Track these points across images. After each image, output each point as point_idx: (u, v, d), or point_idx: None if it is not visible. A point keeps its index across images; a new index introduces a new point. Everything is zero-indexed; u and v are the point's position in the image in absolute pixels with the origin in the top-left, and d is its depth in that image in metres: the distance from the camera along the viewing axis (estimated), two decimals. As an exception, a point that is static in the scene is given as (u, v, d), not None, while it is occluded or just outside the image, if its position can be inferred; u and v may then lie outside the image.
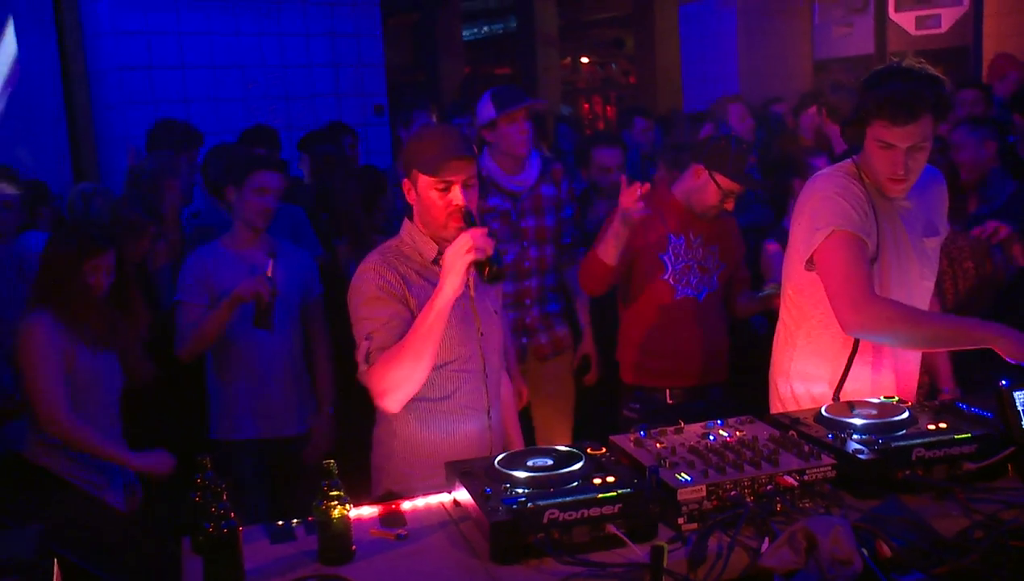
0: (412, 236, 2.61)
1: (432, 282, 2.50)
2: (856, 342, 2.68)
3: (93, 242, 3.18)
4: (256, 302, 3.40)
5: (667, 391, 3.59)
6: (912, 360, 2.84)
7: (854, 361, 2.71)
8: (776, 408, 2.88)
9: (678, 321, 3.56)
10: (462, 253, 2.33)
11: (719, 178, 3.47)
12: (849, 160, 2.72)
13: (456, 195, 2.49)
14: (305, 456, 3.70)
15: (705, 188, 3.51)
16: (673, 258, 3.55)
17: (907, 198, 2.68)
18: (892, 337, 2.60)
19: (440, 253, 2.52)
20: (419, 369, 2.41)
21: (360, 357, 2.47)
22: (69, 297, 3.14)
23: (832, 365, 2.74)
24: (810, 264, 2.65)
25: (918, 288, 2.74)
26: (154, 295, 4.05)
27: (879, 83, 2.54)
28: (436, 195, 2.50)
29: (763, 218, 4.64)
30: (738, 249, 3.74)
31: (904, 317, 2.52)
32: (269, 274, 3.41)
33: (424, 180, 2.51)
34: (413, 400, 2.52)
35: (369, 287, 2.51)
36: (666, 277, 3.56)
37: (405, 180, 2.58)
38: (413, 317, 2.45)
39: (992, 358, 2.43)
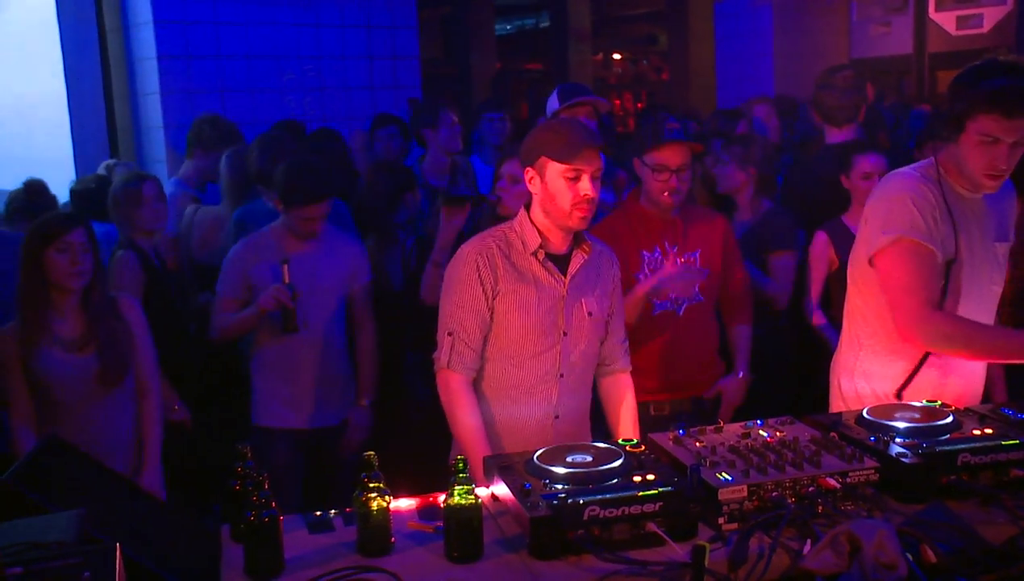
0: (522, 225, 2.67)
1: (523, 273, 2.63)
2: None
3: (52, 225, 3.08)
4: (281, 310, 3.43)
5: (650, 406, 3.37)
6: (980, 365, 2.81)
7: (925, 362, 2.69)
8: (837, 406, 2.86)
9: (657, 337, 3.37)
10: None
11: (645, 158, 3.26)
12: (930, 159, 2.67)
13: (585, 185, 2.54)
14: (341, 448, 3.71)
15: (644, 179, 3.32)
16: (648, 274, 3.33)
17: (983, 201, 2.65)
18: (949, 351, 2.60)
19: (542, 245, 2.63)
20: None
21: (441, 357, 2.63)
22: (31, 292, 3.05)
23: (902, 364, 2.72)
24: (871, 263, 2.64)
25: (987, 292, 2.71)
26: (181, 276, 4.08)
27: (984, 77, 2.50)
28: (565, 184, 2.54)
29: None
30: (727, 252, 3.49)
31: (961, 333, 2.53)
32: (286, 281, 3.41)
33: (554, 167, 2.55)
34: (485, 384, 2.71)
35: (459, 277, 2.64)
36: None
37: (528, 168, 2.62)
38: (489, 309, 2.62)
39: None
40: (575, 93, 3.95)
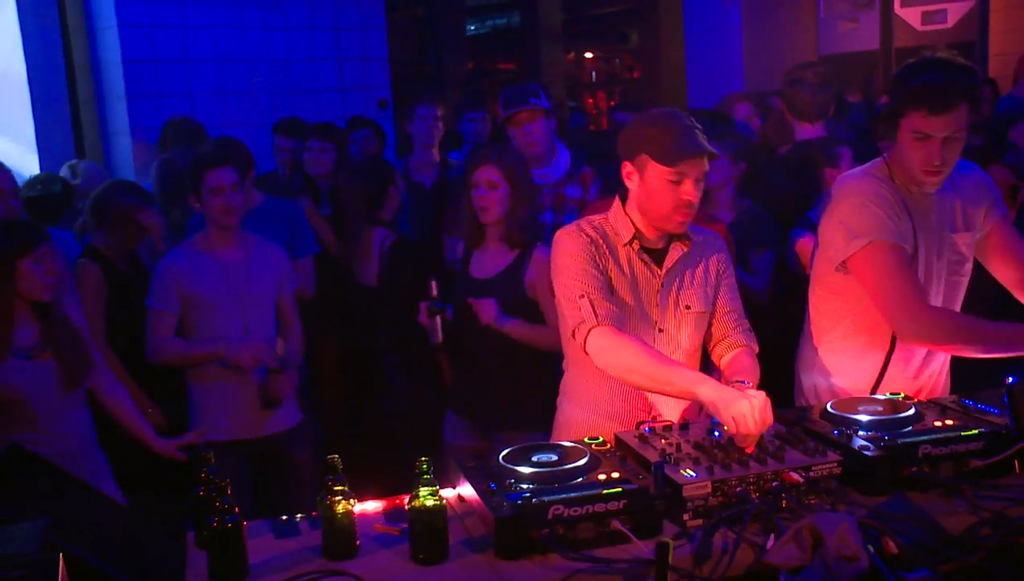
0: (616, 216, 2.60)
1: (619, 262, 2.55)
2: (894, 340, 2.69)
3: (29, 235, 3.01)
4: (267, 382, 3.46)
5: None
6: (943, 359, 2.83)
7: (891, 359, 2.72)
8: (799, 401, 2.90)
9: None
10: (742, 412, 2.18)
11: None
12: (880, 159, 2.70)
13: (688, 189, 2.45)
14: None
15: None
16: None
17: (939, 193, 2.67)
18: (952, 346, 2.62)
19: (636, 236, 2.56)
20: (630, 380, 2.45)
21: (586, 318, 2.44)
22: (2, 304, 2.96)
23: (858, 361, 2.76)
24: (842, 267, 2.66)
25: (951, 283, 2.74)
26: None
27: (913, 74, 2.53)
28: (666, 186, 2.46)
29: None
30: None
31: (964, 327, 2.55)
32: (280, 353, 3.44)
33: (656, 168, 2.46)
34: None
35: (581, 246, 2.53)
36: None
37: (626, 162, 2.53)
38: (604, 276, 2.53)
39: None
40: (511, 103, 3.95)
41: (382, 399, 4.10)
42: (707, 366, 2.72)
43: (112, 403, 3.26)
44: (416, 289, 3.64)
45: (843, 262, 2.65)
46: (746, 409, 2.16)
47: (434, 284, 3.48)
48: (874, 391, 2.72)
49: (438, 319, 3.47)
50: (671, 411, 2.61)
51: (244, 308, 3.52)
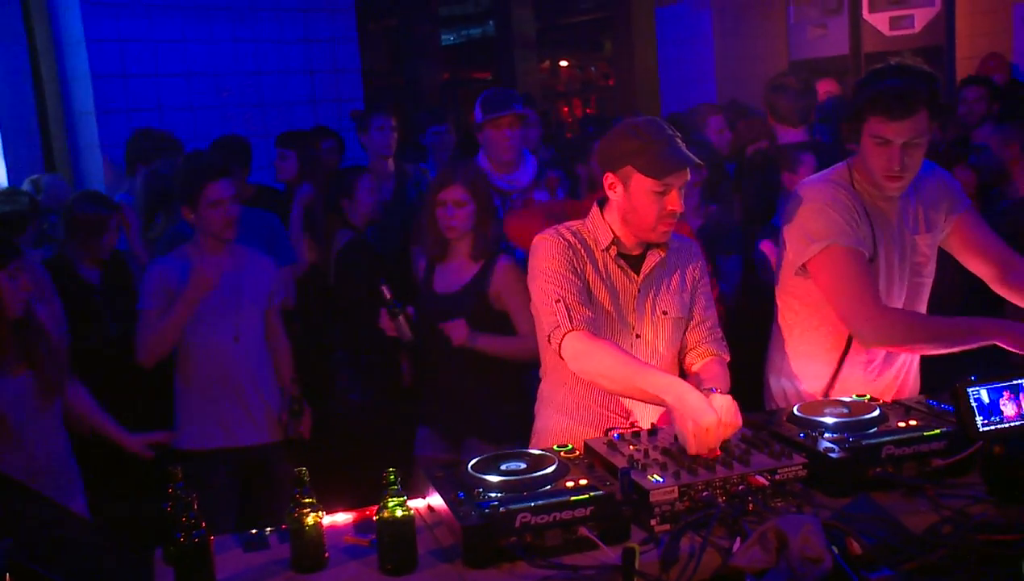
0: (595, 222, 2.60)
1: (595, 268, 2.56)
2: (848, 342, 2.71)
3: (8, 250, 2.98)
4: (290, 423, 3.53)
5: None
6: (910, 360, 2.86)
7: (847, 361, 2.74)
8: (769, 405, 2.93)
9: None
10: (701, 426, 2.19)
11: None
12: (843, 164, 2.74)
13: (673, 200, 2.47)
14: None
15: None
16: None
17: (900, 196, 2.69)
18: (910, 346, 2.65)
19: (614, 242, 2.56)
20: (602, 385, 2.48)
21: (561, 323, 2.45)
22: None
23: (821, 364, 2.79)
24: (802, 270, 2.69)
25: (914, 285, 2.76)
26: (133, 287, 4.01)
27: (874, 80, 2.57)
28: (652, 198, 2.47)
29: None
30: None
31: (918, 325, 2.59)
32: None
33: (641, 181, 2.46)
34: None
35: (559, 250, 2.54)
36: None
37: (609, 173, 2.52)
38: (582, 280, 2.54)
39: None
40: (496, 108, 3.95)
41: (335, 399, 4.14)
42: (684, 373, 2.74)
43: (79, 405, 3.26)
44: (369, 288, 3.66)
45: (803, 266, 2.68)
46: (701, 430, 2.18)
47: (385, 288, 3.49)
48: (827, 393, 2.74)
49: (401, 318, 3.49)
50: (648, 417, 2.61)
51: (235, 318, 3.51)
